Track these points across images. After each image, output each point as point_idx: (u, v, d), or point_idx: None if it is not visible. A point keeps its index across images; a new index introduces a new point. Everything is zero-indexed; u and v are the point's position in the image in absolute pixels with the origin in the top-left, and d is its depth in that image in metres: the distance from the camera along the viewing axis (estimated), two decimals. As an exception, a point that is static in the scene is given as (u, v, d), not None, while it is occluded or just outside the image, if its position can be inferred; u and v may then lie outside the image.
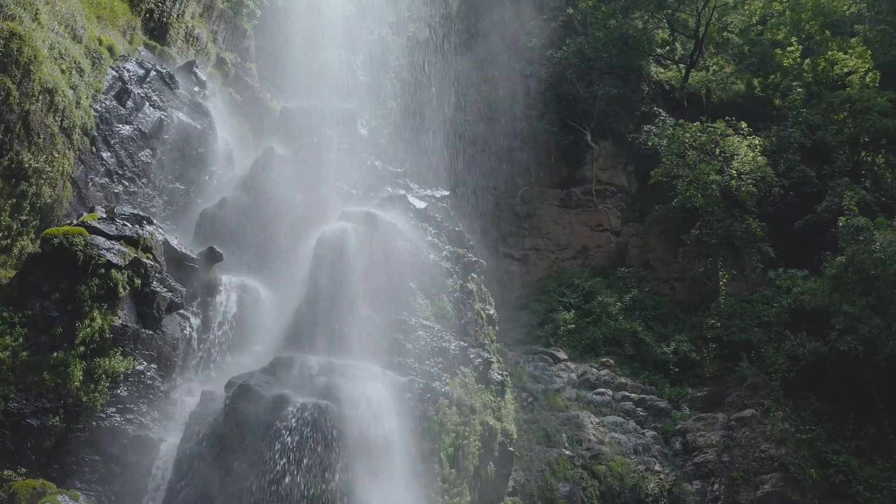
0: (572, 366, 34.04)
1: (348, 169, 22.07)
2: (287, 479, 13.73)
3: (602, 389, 31.92)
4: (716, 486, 27.71)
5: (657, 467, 27.70)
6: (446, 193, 23.23)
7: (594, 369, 33.47)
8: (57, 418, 14.39)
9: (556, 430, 27.64)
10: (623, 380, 32.93)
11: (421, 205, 20.19)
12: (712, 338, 33.84)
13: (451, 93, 39.98)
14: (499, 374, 19.87)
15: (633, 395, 31.99)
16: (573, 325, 36.62)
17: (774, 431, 28.41)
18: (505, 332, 36.95)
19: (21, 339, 14.55)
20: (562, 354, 34.52)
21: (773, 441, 28.30)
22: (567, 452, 26.25)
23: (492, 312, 21.79)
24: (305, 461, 13.70)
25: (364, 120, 25.09)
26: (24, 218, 16.49)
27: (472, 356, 18.49)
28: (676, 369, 33.71)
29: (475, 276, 21.16)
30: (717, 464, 28.24)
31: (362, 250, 17.05)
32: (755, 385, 30.80)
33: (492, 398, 18.95)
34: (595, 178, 42.57)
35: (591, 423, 28.90)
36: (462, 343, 18.34)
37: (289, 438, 13.75)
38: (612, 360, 34.18)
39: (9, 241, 16.19)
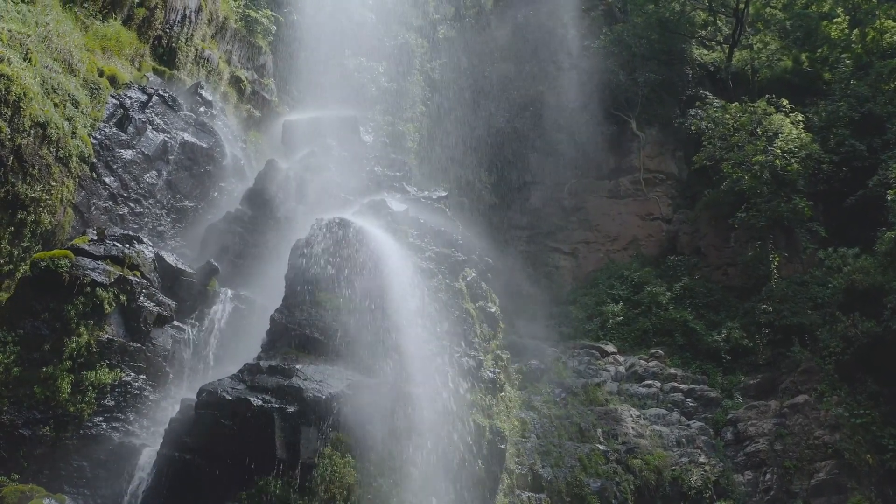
0: (620, 359, 33.55)
1: (348, 176, 22.54)
2: (253, 479, 14.30)
3: (649, 381, 31.40)
4: (768, 476, 27.00)
5: (702, 459, 27.02)
6: (443, 195, 23.34)
7: (643, 361, 32.92)
8: (47, 428, 15.39)
9: (592, 425, 27.23)
10: (673, 370, 32.24)
11: (400, 208, 20.39)
12: (765, 323, 32.73)
13: (488, 90, 39.98)
14: (491, 372, 19.83)
15: (682, 386, 31.31)
16: (622, 318, 36.11)
17: (828, 417, 27.44)
18: (553, 328, 36.80)
19: (13, 357, 15.65)
20: (610, 348, 34.06)
21: (828, 427, 27.31)
22: (601, 447, 25.81)
23: (493, 310, 21.68)
24: (267, 461, 14.22)
25: (369, 127, 25.52)
26: (25, 244, 17.63)
27: (457, 355, 18.56)
28: (728, 357, 32.83)
29: (475, 274, 21.16)
30: (770, 453, 27.45)
31: (332, 256, 17.46)
32: (809, 370, 29.71)
33: (482, 396, 18.96)
34: (643, 167, 41.66)
35: (631, 416, 28.38)
36: (444, 343, 18.44)
37: (250, 439, 14.33)
38: (661, 352, 33.54)
39: (11, 266, 17.34)
